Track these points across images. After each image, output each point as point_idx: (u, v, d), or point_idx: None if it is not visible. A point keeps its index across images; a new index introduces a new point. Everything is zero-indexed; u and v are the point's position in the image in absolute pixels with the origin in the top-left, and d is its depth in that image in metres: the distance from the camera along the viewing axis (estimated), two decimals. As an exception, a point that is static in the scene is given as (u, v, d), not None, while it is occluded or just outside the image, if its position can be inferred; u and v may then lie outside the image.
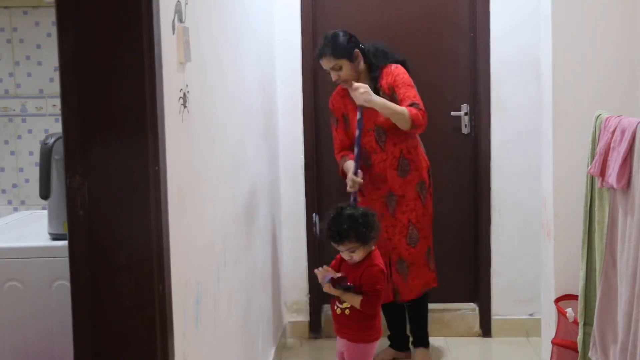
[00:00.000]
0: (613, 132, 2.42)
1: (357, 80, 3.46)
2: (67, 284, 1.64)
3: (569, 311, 2.88)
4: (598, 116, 2.62)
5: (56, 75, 3.31)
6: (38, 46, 3.41)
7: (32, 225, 2.56)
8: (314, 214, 4.12)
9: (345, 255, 2.95)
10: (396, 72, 3.47)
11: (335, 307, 2.98)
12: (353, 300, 2.90)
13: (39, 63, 3.42)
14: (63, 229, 2.24)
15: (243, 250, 2.84)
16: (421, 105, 3.39)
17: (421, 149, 3.58)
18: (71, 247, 1.61)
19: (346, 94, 3.53)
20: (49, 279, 2.22)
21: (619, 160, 2.34)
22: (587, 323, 2.71)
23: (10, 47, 3.41)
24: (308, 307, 4.16)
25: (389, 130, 3.45)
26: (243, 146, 2.87)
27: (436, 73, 4.06)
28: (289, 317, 4.17)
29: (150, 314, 1.62)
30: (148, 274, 1.62)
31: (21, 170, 3.48)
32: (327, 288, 2.94)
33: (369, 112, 3.43)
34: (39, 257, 2.24)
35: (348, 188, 3.44)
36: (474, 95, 4.09)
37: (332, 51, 3.41)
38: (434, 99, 3.92)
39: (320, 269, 3.00)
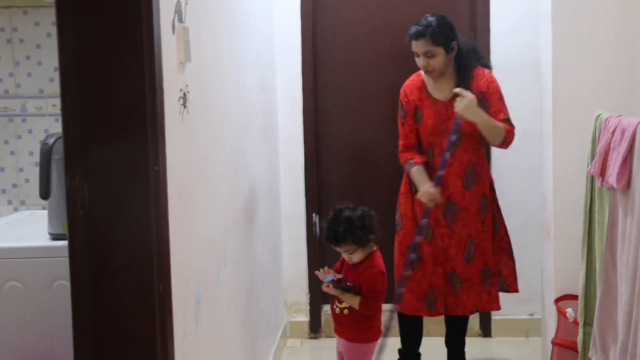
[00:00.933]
0: (613, 132, 2.42)
1: (443, 74, 3.23)
2: (67, 284, 1.64)
3: (569, 311, 2.88)
4: (598, 116, 2.62)
5: (56, 75, 3.31)
6: (38, 46, 3.41)
7: (32, 225, 2.56)
8: (314, 214, 4.12)
9: (344, 256, 2.96)
10: (490, 78, 3.24)
11: (335, 307, 2.98)
12: (351, 301, 2.90)
13: (39, 63, 3.42)
14: (63, 229, 2.23)
15: (243, 250, 2.84)
16: (511, 121, 3.22)
17: (486, 161, 3.39)
18: (71, 247, 1.61)
19: (423, 86, 3.28)
20: (49, 279, 2.22)
21: (619, 160, 2.33)
22: (587, 323, 2.71)
23: (10, 47, 3.41)
24: (308, 307, 4.16)
25: (464, 135, 3.18)
26: (243, 146, 2.87)
27: (436, 73, 4.06)
28: (289, 317, 4.16)
29: (150, 314, 1.62)
30: (148, 274, 1.62)
31: (21, 170, 3.48)
32: (326, 288, 2.94)
33: (445, 109, 3.21)
34: (39, 257, 2.24)
35: (426, 201, 3.15)
36: (474, 95, 4.08)
37: (432, 35, 3.12)
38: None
39: (321, 270, 3.00)
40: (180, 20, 1.86)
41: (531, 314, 4.02)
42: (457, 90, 3.12)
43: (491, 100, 3.19)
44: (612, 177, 2.39)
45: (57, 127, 3.32)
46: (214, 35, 2.32)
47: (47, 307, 2.22)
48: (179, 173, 1.82)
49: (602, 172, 2.48)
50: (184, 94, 1.88)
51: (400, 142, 3.34)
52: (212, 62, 2.28)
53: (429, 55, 3.16)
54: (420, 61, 3.20)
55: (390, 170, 3.80)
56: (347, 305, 2.92)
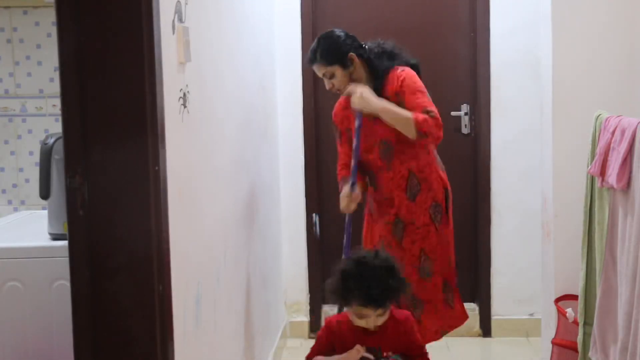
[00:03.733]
0: (613, 132, 2.42)
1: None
2: (67, 284, 1.64)
3: (569, 311, 2.88)
4: (598, 116, 2.62)
5: (56, 75, 3.30)
6: (38, 46, 3.41)
7: (32, 225, 2.56)
8: (314, 214, 4.12)
9: (366, 321, 2.28)
10: (402, 75, 2.91)
11: None
12: None
13: (39, 63, 3.42)
14: (63, 229, 2.23)
15: (243, 250, 2.84)
16: (435, 113, 2.85)
17: (437, 165, 3.00)
18: (71, 247, 1.61)
19: (348, 105, 2.99)
20: (49, 279, 2.22)
21: (619, 160, 2.34)
22: (587, 323, 2.71)
23: (10, 47, 3.41)
24: (308, 307, 4.16)
25: (395, 144, 2.91)
26: (243, 146, 2.87)
27: (436, 73, 4.06)
28: (289, 317, 4.17)
29: (150, 314, 1.62)
30: (148, 274, 1.62)
31: (21, 170, 3.48)
32: None
33: (371, 123, 2.93)
34: (39, 257, 2.23)
35: (342, 207, 2.98)
36: (474, 95, 4.09)
37: (322, 56, 2.91)
38: (434, 99, 3.89)
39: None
40: (180, 20, 1.86)
41: (531, 314, 4.02)
42: (348, 89, 2.91)
43: (406, 98, 2.88)
44: (612, 177, 2.39)
45: (57, 127, 3.31)
46: (214, 35, 2.32)
47: (47, 307, 2.22)
48: (179, 173, 1.82)
49: (602, 172, 2.48)
50: (184, 94, 1.88)
51: (339, 160, 3.17)
52: (212, 62, 2.28)
53: (327, 76, 2.95)
54: (325, 84, 3.00)
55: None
56: None
